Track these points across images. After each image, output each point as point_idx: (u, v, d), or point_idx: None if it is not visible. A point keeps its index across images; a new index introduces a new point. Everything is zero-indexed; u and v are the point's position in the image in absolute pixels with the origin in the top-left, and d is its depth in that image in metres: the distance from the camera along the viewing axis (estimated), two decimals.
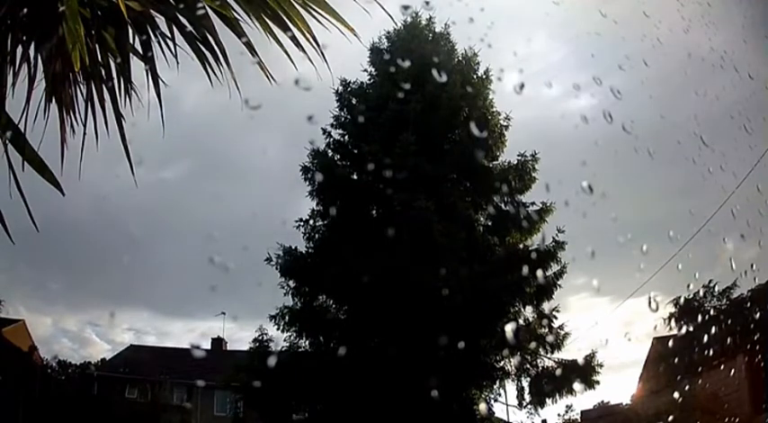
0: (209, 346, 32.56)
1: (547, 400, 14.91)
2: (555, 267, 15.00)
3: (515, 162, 15.84)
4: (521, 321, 15.15)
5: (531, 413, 15.28)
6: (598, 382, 14.62)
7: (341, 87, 16.58)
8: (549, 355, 15.20)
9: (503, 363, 15.21)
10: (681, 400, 14.22)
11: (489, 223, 15.80)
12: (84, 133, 3.22)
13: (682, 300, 18.02)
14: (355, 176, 16.04)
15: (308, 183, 15.87)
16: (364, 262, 13.23)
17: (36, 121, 3.05)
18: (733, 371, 14.66)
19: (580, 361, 14.85)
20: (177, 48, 3.21)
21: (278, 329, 15.21)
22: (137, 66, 3.26)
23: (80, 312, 51.50)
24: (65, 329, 49.53)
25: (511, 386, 15.59)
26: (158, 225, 33.24)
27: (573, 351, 15.32)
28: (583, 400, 32.85)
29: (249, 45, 3.18)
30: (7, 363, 23.57)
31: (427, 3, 17.59)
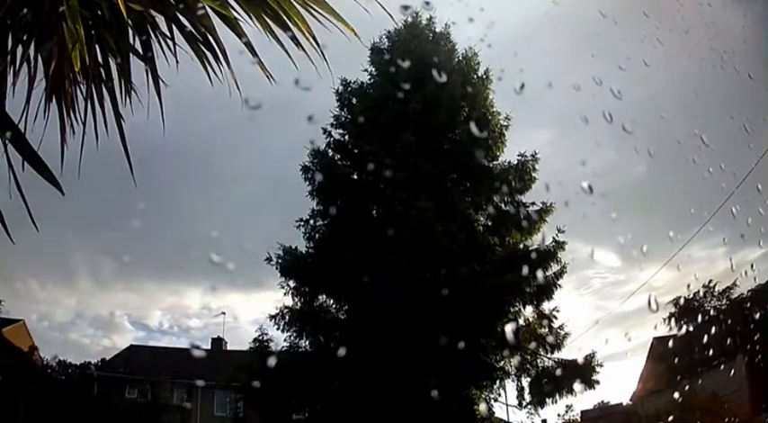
0: (209, 346, 32.57)
1: (547, 400, 14.92)
2: (555, 267, 15.03)
3: (515, 162, 15.85)
4: (521, 321, 15.16)
5: (531, 413, 15.32)
6: (598, 382, 14.66)
7: (341, 87, 16.59)
8: (549, 355, 15.21)
9: (503, 363, 15.22)
10: (681, 400, 14.24)
11: (489, 223, 15.80)
12: (84, 133, 3.22)
13: (682, 300, 18.07)
14: (355, 176, 16.05)
15: (308, 183, 15.89)
16: (364, 262, 13.24)
17: (36, 121, 3.05)
18: (733, 371, 14.69)
19: (580, 361, 14.87)
20: (177, 47, 3.21)
21: (278, 329, 15.25)
22: (137, 66, 3.27)
23: (109, 290, 41.26)
24: (87, 311, 44.16)
25: (511, 386, 15.64)
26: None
27: (573, 351, 15.36)
28: (583, 400, 32.84)
29: (249, 45, 3.18)
30: (7, 363, 23.56)
31: (427, 3, 17.58)
